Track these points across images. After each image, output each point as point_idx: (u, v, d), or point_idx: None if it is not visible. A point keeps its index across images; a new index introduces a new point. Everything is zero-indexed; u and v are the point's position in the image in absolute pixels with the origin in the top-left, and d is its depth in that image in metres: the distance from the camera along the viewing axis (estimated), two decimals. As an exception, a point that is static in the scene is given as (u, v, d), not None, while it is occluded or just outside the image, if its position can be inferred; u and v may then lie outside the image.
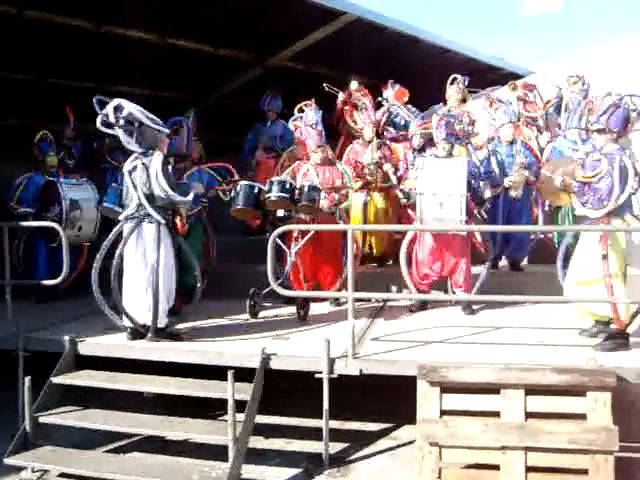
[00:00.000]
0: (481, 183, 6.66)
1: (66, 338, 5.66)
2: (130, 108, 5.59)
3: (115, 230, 5.78)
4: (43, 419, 5.24)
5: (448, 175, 6.29)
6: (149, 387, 5.49)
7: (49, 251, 7.27)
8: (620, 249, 5.35)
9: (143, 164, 5.61)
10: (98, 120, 5.61)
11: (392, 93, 8.93)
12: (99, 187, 7.49)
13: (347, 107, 8.86)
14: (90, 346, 5.73)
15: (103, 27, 8.86)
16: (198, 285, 5.98)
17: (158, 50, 9.47)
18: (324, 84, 8.85)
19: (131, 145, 5.69)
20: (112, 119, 5.57)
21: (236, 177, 6.64)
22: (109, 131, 5.72)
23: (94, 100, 5.60)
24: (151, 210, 5.58)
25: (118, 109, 5.59)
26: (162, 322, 5.71)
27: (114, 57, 9.28)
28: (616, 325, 5.33)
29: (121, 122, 5.57)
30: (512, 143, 7.54)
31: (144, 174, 5.58)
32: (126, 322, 5.78)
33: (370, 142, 7.96)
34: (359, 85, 8.90)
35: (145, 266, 5.63)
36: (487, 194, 6.72)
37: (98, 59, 9.27)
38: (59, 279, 5.99)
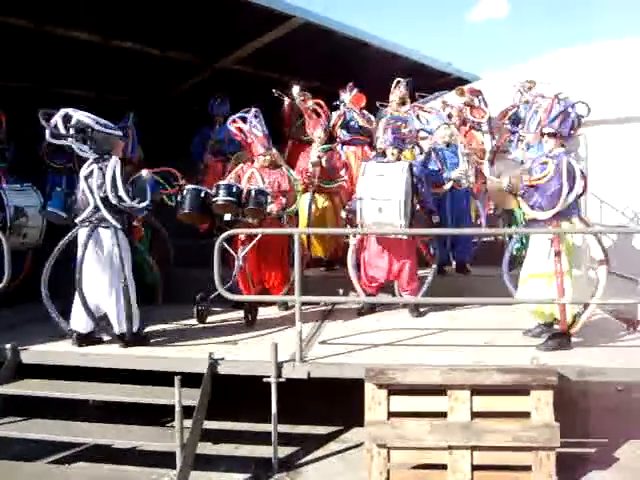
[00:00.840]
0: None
1: (7, 346, 5.52)
2: (78, 116, 5.52)
3: (69, 235, 5.68)
4: (-17, 431, 5.10)
5: (387, 180, 6.32)
6: (95, 395, 5.40)
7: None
8: (569, 249, 5.50)
9: (99, 168, 5.57)
10: (47, 133, 5.53)
11: (349, 97, 8.97)
12: (41, 190, 7.32)
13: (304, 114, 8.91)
14: (33, 354, 5.60)
15: (43, 27, 8.66)
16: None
17: (102, 52, 9.32)
18: (273, 89, 8.86)
19: (86, 153, 5.65)
20: (62, 130, 5.51)
21: (182, 181, 6.55)
22: (59, 142, 5.66)
23: (39, 115, 5.52)
24: (107, 214, 5.55)
25: (66, 119, 5.53)
26: (135, 326, 5.70)
27: (54, 58, 9.09)
28: (560, 325, 5.46)
29: (71, 131, 5.52)
30: (448, 145, 7.66)
31: (100, 178, 5.55)
32: (76, 327, 5.68)
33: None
34: (300, 90, 8.94)
35: (102, 270, 5.58)
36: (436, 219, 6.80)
37: (37, 59, 9.06)
38: (1, 285, 5.82)
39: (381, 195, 6.25)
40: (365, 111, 9.04)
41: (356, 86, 9.10)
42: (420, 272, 6.89)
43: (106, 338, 5.77)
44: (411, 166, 6.56)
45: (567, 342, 5.45)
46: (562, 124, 5.54)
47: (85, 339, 5.70)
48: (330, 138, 8.37)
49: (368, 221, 6.35)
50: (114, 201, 5.53)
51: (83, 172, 5.67)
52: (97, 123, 5.59)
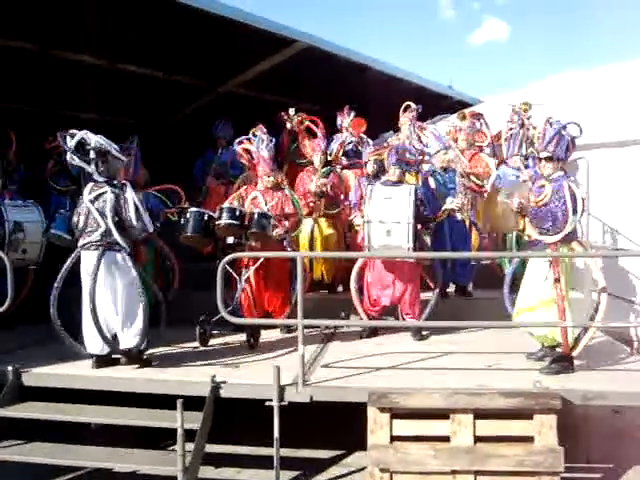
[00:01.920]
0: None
1: (9, 369, 5.50)
2: (96, 139, 5.66)
3: (72, 258, 5.71)
4: (-16, 454, 5.08)
5: (395, 202, 6.36)
6: (96, 418, 5.39)
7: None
8: (568, 273, 5.49)
9: (113, 193, 5.65)
10: (68, 154, 5.67)
11: (348, 121, 8.99)
12: (46, 213, 7.34)
13: (299, 136, 8.96)
14: (35, 376, 5.58)
15: (50, 51, 8.77)
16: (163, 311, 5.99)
17: (107, 75, 9.41)
18: (281, 113, 8.93)
19: (95, 175, 5.72)
20: (77, 151, 5.63)
21: (186, 204, 6.59)
22: (76, 163, 5.72)
23: (58, 135, 5.68)
24: (119, 238, 5.62)
25: (85, 141, 5.64)
26: (143, 344, 5.74)
27: (60, 81, 9.18)
28: (563, 348, 5.44)
29: (92, 154, 5.63)
30: (445, 170, 7.69)
31: (115, 203, 5.63)
32: (92, 350, 5.69)
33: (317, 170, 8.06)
34: (295, 113, 9.01)
35: (113, 292, 5.63)
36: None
37: (45, 83, 9.15)
38: (4, 307, 5.81)
39: (389, 218, 6.28)
40: (363, 135, 9.07)
41: (357, 110, 9.15)
42: (422, 295, 6.89)
43: (123, 360, 5.78)
44: (416, 190, 6.59)
45: (570, 365, 5.43)
46: (557, 146, 5.56)
47: (103, 361, 5.72)
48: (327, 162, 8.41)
49: (375, 244, 6.37)
50: (138, 226, 5.66)
51: (88, 196, 5.70)
52: (114, 148, 5.73)
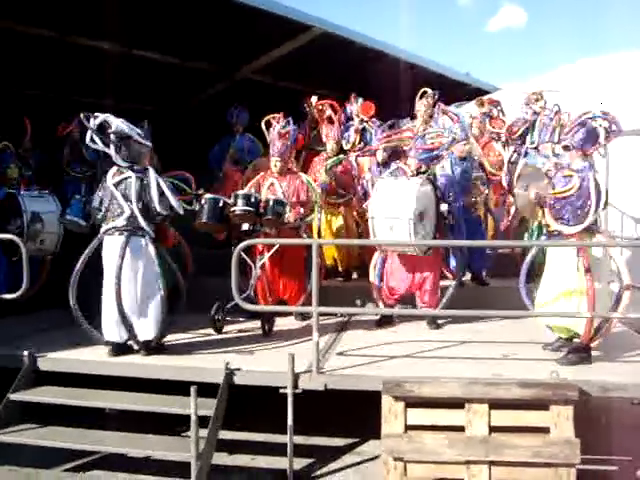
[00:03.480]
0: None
1: (25, 353, 5.54)
2: (118, 123, 5.64)
3: (94, 243, 5.71)
4: (0, 438, 5.10)
5: (398, 197, 6.23)
6: (111, 403, 5.40)
7: (10, 264, 7.11)
8: (592, 263, 5.41)
9: (138, 178, 5.64)
10: (88, 136, 5.65)
11: (357, 107, 8.94)
12: (60, 198, 7.37)
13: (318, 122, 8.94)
14: (50, 361, 5.61)
15: (67, 37, 8.77)
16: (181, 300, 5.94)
17: (123, 61, 9.39)
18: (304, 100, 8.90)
19: (117, 159, 5.70)
20: (99, 134, 5.61)
21: (200, 191, 6.56)
22: (98, 146, 5.70)
23: (81, 117, 5.64)
24: (144, 223, 5.62)
25: (107, 124, 5.63)
26: (160, 336, 5.76)
27: (78, 68, 9.18)
28: (583, 339, 5.38)
29: (112, 137, 5.61)
30: (464, 159, 7.59)
31: (139, 188, 5.62)
32: (110, 337, 5.70)
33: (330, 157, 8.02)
34: (318, 99, 9.05)
35: (137, 278, 5.61)
36: (443, 207, 6.69)
37: (62, 69, 9.16)
38: (18, 293, 5.84)
39: (391, 213, 6.21)
40: (375, 119, 9.02)
41: (373, 97, 9.09)
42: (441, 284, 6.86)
43: (136, 347, 5.78)
44: (431, 181, 6.50)
45: (587, 356, 5.37)
46: (582, 137, 5.47)
47: (120, 349, 5.72)
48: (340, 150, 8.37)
49: (381, 239, 6.33)
50: (164, 212, 5.67)
51: (112, 180, 5.68)
52: (136, 133, 5.70)
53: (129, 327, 5.64)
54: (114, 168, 5.77)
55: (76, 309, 5.67)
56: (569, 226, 5.37)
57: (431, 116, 8.50)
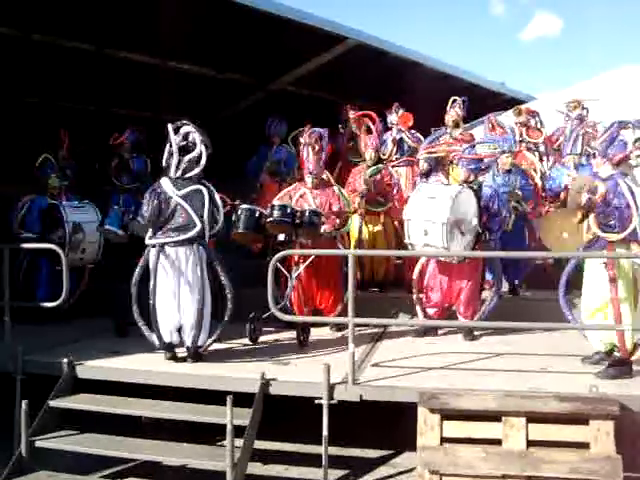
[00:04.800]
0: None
1: (64, 361, 5.62)
2: (197, 135, 5.86)
3: (149, 252, 5.78)
4: (39, 443, 5.18)
5: (436, 202, 6.22)
6: (147, 411, 5.45)
7: (52, 272, 7.22)
8: (625, 274, 5.30)
9: (199, 191, 5.77)
10: (174, 144, 5.81)
11: (396, 117, 8.97)
12: (101, 209, 7.49)
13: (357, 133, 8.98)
14: (88, 369, 5.69)
15: (105, 50, 8.94)
16: (228, 312, 5.96)
17: (160, 73, 9.54)
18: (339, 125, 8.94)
19: (190, 171, 5.82)
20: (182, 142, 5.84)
21: (237, 201, 6.62)
22: (175, 157, 5.84)
23: (170, 127, 5.84)
24: (207, 235, 5.80)
25: (188, 136, 5.86)
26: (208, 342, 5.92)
27: (115, 80, 9.34)
28: (620, 352, 5.28)
29: (197, 149, 5.82)
30: (509, 172, 7.52)
31: (210, 202, 5.79)
32: (166, 339, 5.81)
33: (369, 166, 8.03)
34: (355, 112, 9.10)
35: (190, 288, 5.72)
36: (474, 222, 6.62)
37: (100, 82, 9.32)
38: (59, 301, 5.94)
39: (426, 217, 6.20)
40: (413, 130, 9.03)
41: (407, 107, 9.10)
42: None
43: (183, 354, 5.87)
44: (474, 190, 6.45)
45: (628, 370, 5.27)
46: (607, 145, 5.40)
47: (173, 353, 5.85)
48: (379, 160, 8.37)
49: (415, 242, 6.31)
50: (217, 225, 5.90)
51: (176, 191, 5.72)
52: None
53: (181, 334, 5.80)
54: (168, 179, 5.80)
55: (138, 316, 5.81)
56: (613, 233, 5.27)
57: (458, 124, 8.47)
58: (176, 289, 5.71)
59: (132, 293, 5.79)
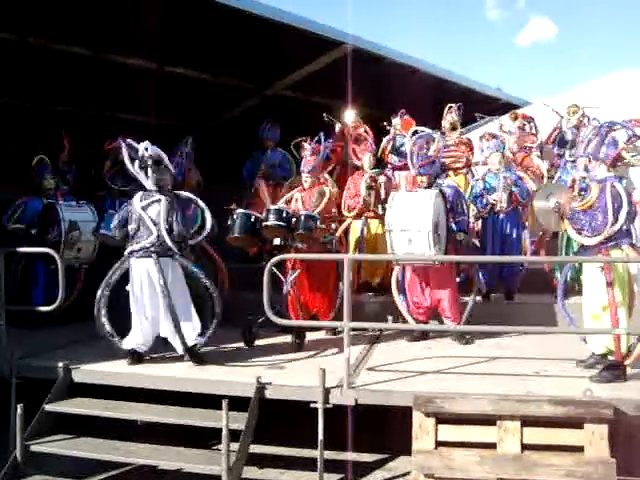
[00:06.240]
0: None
1: (60, 365, 5.62)
2: (155, 149, 5.94)
3: (119, 265, 5.88)
4: (35, 447, 5.17)
5: (415, 210, 6.23)
6: (143, 415, 5.44)
7: (48, 273, 7.21)
8: (621, 278, 5.30)
9: (168, 202, 5.86)
10: (127, 160, 5.96)
11: (399, 121, 8.99)
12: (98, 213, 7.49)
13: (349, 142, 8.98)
14: (84, 373, 5.70)
15: (101, 55, 8.95)
16: (217, 311, 6.00)
17: (157, 78, 9.54)
18: (324, 114, 8.93)
19: (147, 184, 5.94)
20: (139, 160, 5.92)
21: (232, 205, 6.64)
22: (131, 169, 5.98)
23: (123, 143, 6.02)
24: (172, 244, 5.80)
25: (146, 150, 5.91)
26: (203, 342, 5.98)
27: (111, 84, 9.36)
28: (615, 356, 5.30)
29: (149, 162, 5.88)
30: (500, 171, 7.54)
31: (169, 211, 5.84)
32: (128, 345, 5.86)
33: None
34: (355, 117, 8.99)
35: (164, 296, 5.74)
36: (460, 236, 6.64)
37: (96, 86, 9.33)
38: (54, 305, 5.94)
39: (410, 226, 6.20)
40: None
41: (406, 112, 9.12)
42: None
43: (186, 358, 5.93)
44: (442, 192, 6.50)
45: (622, 374, 5.27)
46: (600, 147, 5.42)
47: (138, 358, 5.90)
48: (378, 164, 8.38)
49: (399, 251, 6.31)
50: (184, 233, 5.94)
51: (140, 203, 5.86)
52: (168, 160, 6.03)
53: (151, 341, 5.97)
54: (141, 192, 5.96)
55: (105, 327, 5.86)
56: (588, 237, 5.30)
57: (454, 128, 8.49)
58: (145, 300, 5.84)
59: (102, 296, 5.85)
